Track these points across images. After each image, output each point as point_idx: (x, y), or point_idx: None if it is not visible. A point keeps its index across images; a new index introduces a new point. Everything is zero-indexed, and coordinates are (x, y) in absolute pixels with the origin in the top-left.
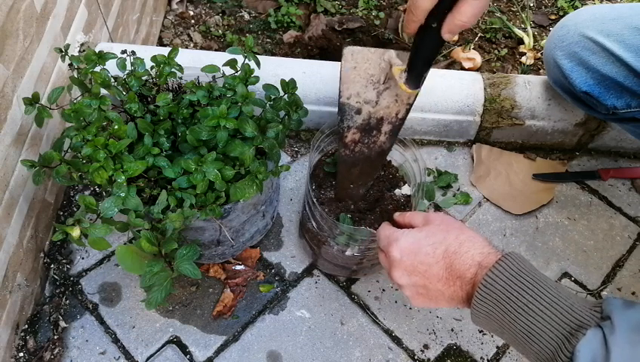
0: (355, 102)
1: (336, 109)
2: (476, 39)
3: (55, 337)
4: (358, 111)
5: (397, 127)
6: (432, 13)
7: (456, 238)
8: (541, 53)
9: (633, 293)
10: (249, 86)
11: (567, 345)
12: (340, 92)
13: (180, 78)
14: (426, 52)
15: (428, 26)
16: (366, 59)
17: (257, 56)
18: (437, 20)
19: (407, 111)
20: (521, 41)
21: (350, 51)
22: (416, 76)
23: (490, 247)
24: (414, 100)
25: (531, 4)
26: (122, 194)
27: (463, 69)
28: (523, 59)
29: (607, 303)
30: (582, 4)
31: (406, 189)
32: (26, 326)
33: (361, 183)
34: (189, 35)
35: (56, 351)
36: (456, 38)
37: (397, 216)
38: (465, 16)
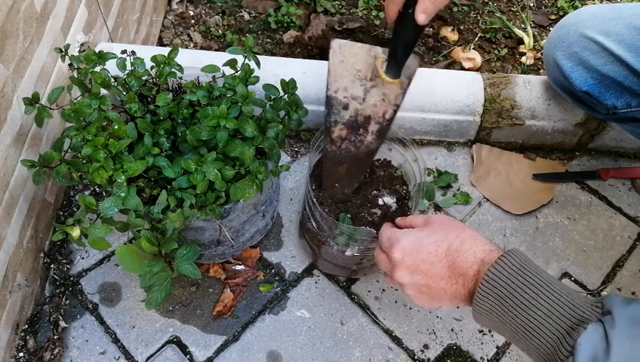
0: (343, 96)
1: None
2: (476, 39)
3: (55, 337)
4: (346, 107)
5: (384, 127)
6: None
7: (457, 236)
8: (541, 53)
9: (633, 293)
10: (249, 86)
11: (568, 339)
12: (327, 84)
13: (180, 78)
14: (403, 38)
15: (405, 12)
16: (353, 53)
17: (257, 56)
18: (412, 4)
19: (395, 112)
20: (521, 41)
21: (338, 44)
22: (395, 64)
23: (491, 245)
24: (401, 101)
25: (531, 4)
26: (122, 194)
27: (463, 69)
28: (523, 59)
29: (607, 299)
30: (582, 4)
31: (387, 199)
32: (26, 326)
33: (347, 183)
34: (189, 35)
35: (56, 351)
36: (456, 37)
37: (398, 220)
38: None
